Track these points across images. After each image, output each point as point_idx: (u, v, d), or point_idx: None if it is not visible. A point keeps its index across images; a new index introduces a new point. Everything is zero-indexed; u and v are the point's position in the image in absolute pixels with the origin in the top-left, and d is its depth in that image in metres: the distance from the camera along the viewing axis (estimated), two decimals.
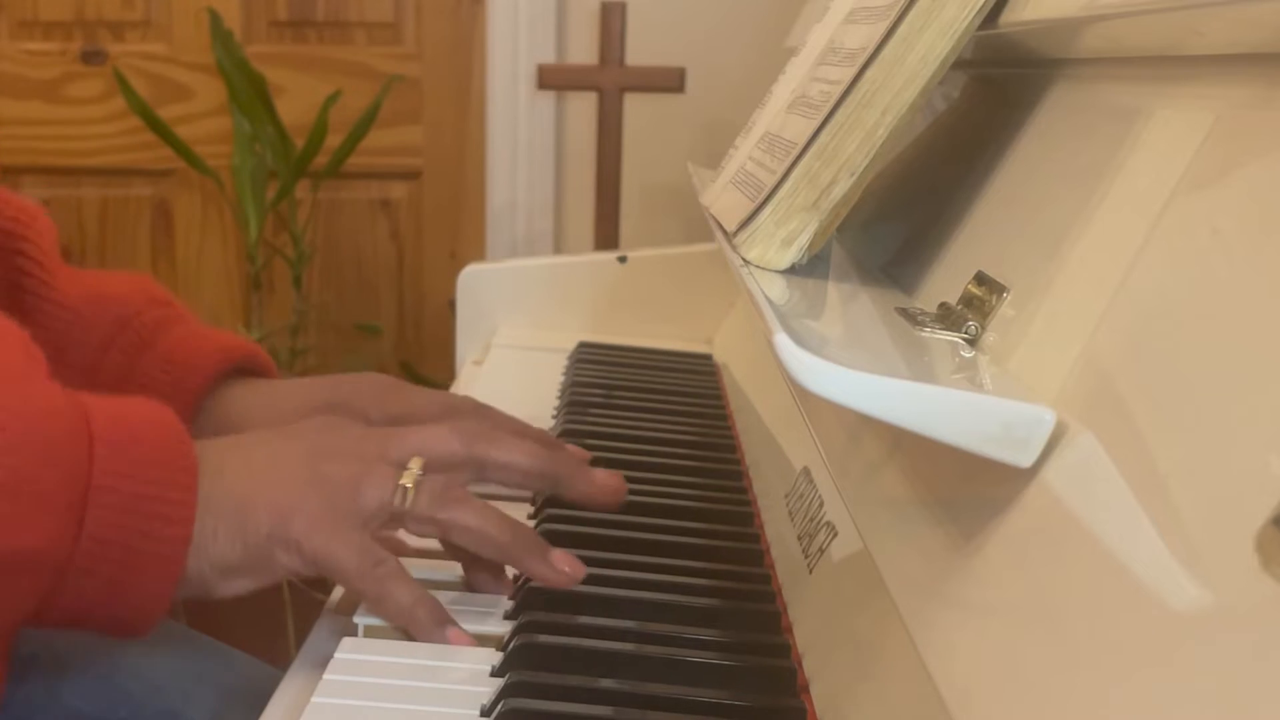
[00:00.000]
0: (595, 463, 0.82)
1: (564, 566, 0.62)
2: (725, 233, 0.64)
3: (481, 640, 0.59)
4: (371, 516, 0.60)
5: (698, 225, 1.03)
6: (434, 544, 0.66)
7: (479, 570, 0.65)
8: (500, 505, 0.75)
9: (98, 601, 0.56)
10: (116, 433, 0.56)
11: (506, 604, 0.63)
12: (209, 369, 0.79)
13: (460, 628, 0.59)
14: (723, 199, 0.72)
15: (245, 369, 0.82)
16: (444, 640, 0.58)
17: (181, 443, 0.58)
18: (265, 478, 0.60)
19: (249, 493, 0.58)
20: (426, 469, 0.61)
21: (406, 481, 0.60)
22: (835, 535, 0.61)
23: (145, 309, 0.81)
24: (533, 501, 0.77)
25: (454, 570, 0.66)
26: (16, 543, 0.52)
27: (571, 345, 1.15)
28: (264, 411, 0.79)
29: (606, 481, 0.66)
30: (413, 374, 2.08)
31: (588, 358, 1.10)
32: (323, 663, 0.56)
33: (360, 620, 0.60)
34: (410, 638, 0.59)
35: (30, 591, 0.54)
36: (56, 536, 0.53)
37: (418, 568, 0.64)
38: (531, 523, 0.73)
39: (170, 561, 0.56)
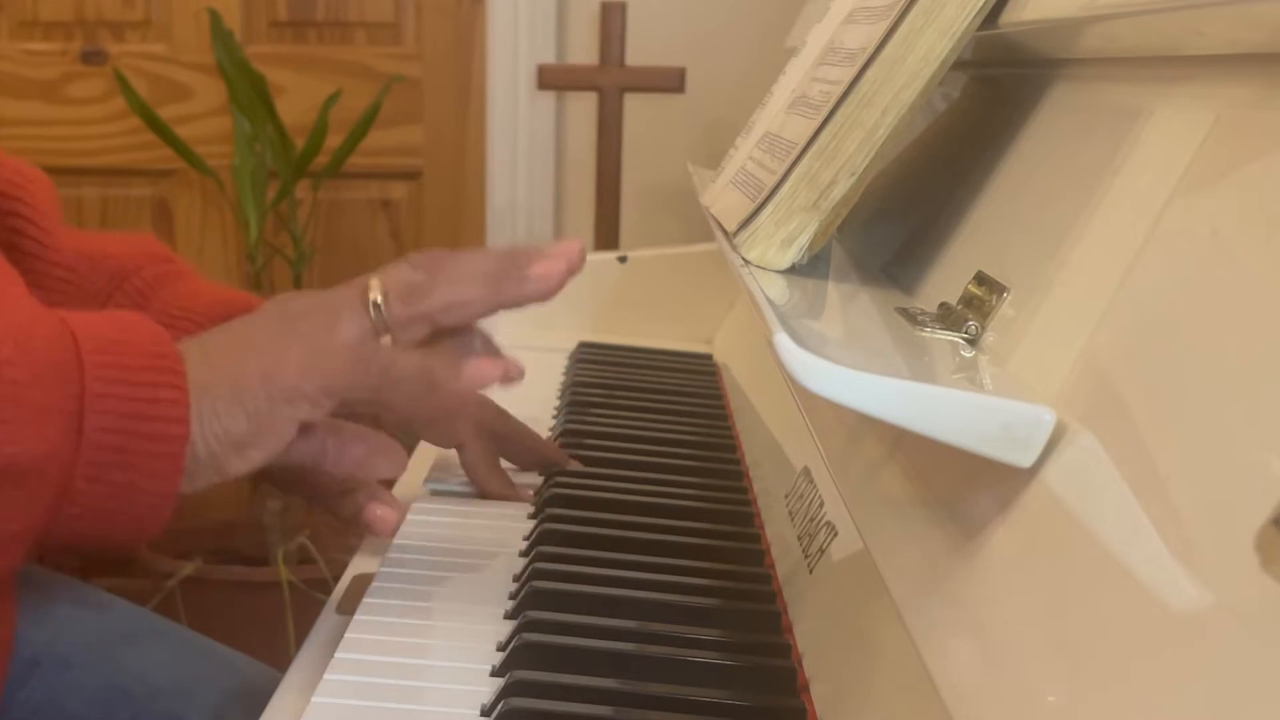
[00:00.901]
0: (596, 462, 0.82)
1: (542, 268, 0.63)
2: (725, 233, 0.64)
3: (483, 638, 0.59)
4: (356, 343, 0.61)
5: (698, 225, 1.03)
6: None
7: (492, 481, 0.71)
8: (502, 509, 0.75)
9: (105, 510, 0.56)
10: (100, 341, 0.57)
11: (507, 604, 0.63)
12: (207, 322, 0.79)
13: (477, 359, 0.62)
14: (723, 199, 0.72)
15: None
16: (462, 374, 0.61)
17: (162, 342, 0.58)
18: (248, 349, 0.60)
19: (235, 365, 0.59)
20: (386, 286, 0.62)
21: (374, 296, 0.62)
22: (835, 535, 0.61)
23: (145, 265, 0.82)
24: (534, 500, 0.77)
25: (466, 540, 0.66)
26: (22, 451, 0.52)
27: (571, 345, 1.15)
28: None
29: (547, 269, 0.64)
30: None
31: (588, 358, 1.10)
32: (323, 663, 0.56)
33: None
34: (420, 636, 0.59)
35: (38, 500, 0.54)
36: (59, 444, 0.54)
37: (417, 557, 0.64)
38: (531, 523, 0.73)
39: (172, 459, 0.56)
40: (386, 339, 0.62)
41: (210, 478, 0.59)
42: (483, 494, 0.79)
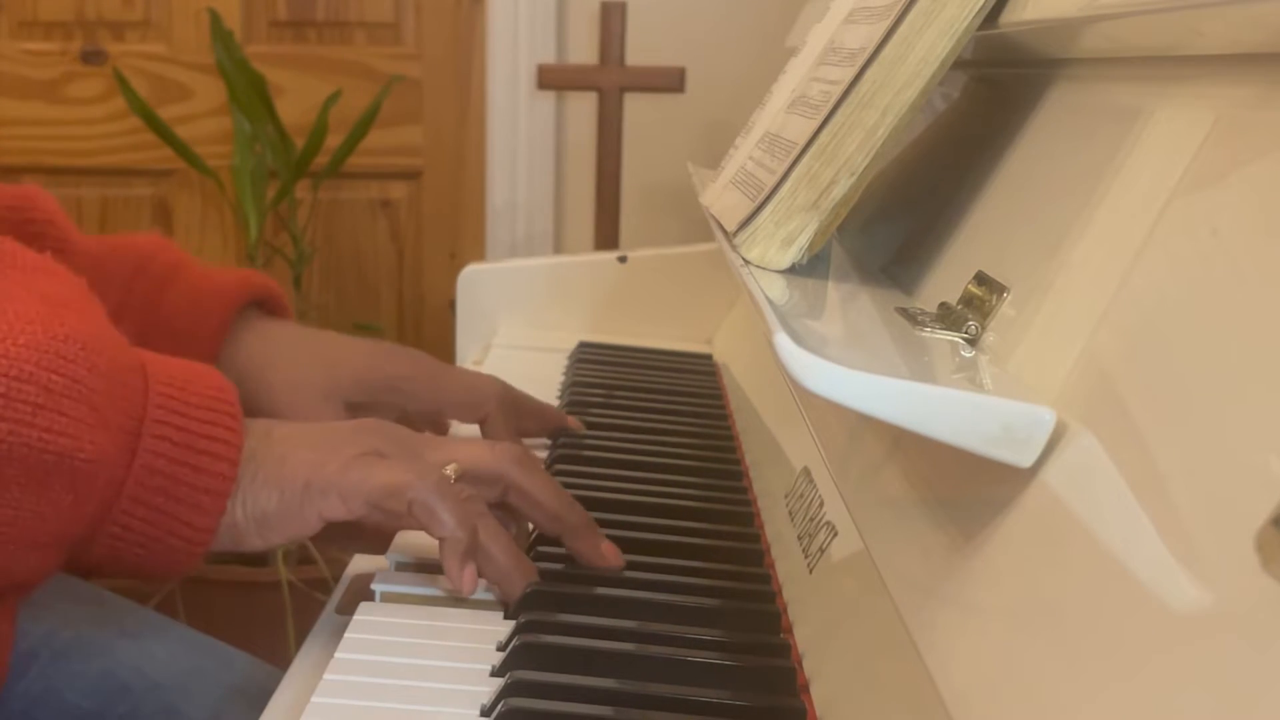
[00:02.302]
0: (595, 461, 0.82)
1: (527, 581, 0.62)
2: (725, 233, 0.64)
3: (483, 638, 0.59)
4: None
5: (698, 225, 1.03)
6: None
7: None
8: None
9: (140, 535, 0.57)
10: (169, 378, 0.59)
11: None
12: (229, 299, 0.83)
13: (474, 573, 0.61)
14: (723, 199, 0.72)
15: (265, 302, 0.86)
16: (460, 579, 0.60)
17: (227, 394, 0.61)
18: (310, 442, 0.62)
19: (291, 450, 0.61)
20: (461, 478, 0.63)
21: (450, 471, 0.62)
22: (835, 535, 0.61)
23: (159, 252, 0.85)
24: None
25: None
26: (77, 449, 0.54)
27: (571, 345, 1.15)
28: (293, 361, 0.82)
29: (608, 552, 0.66)
30: None
31: (588, 358, 1.10)
32: (323, 663, 0.56)
33: (378, 588, 0.62)
34: (422, 637, 0.59)
35: (84, 506, 0.55)
36: (114, 455, 0.55)
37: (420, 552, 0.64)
38: (531, 524, 0.73)
39: (216, 496, 0.58)
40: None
41: (227, 544, 0.60)
42: None
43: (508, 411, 0.83)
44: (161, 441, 0.57)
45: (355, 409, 0.80)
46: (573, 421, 0.87)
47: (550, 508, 0.65)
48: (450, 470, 0.63)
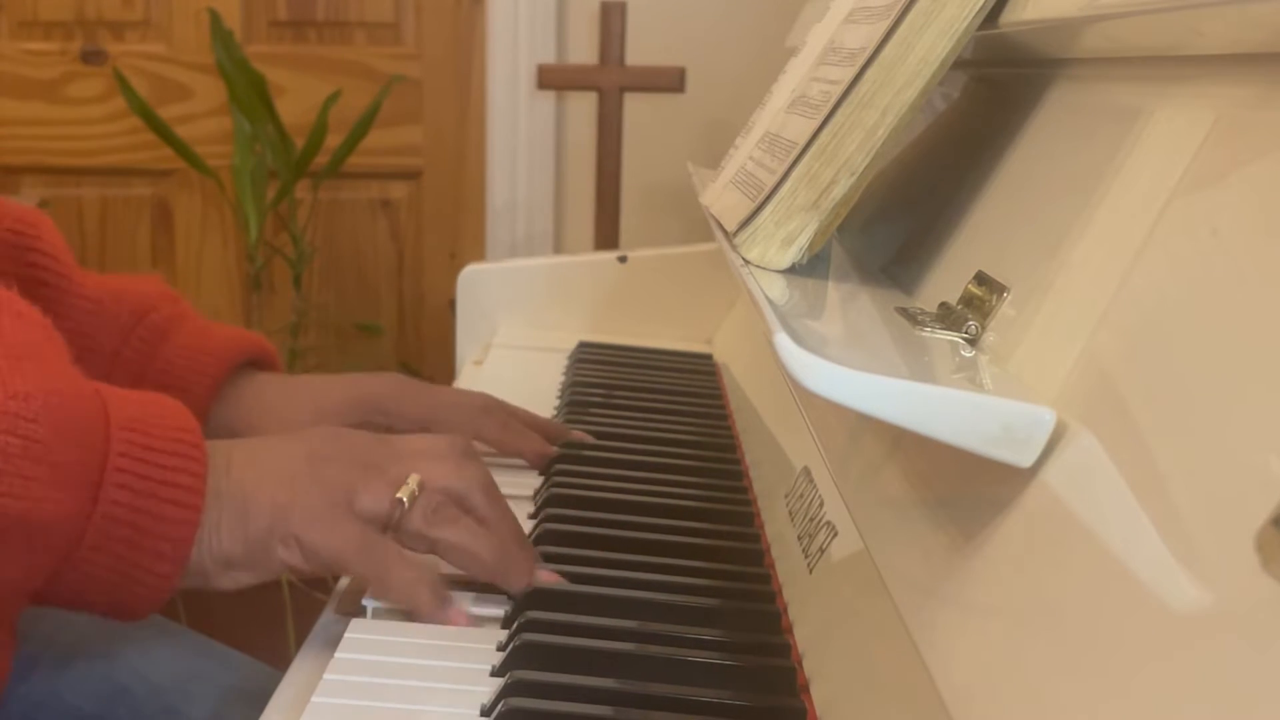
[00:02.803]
0: (595, 462, 0.82)
1: (545, 580, 0.63)
2: (725, 233, 0.64)
3: (483, 638, 0.59)
4: (368, 520, 0.61)
5: (698, 225, 1.03)
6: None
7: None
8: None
9: (104, 581, 0.57)
10: (131, 420, 0.58)
11: (507, 604, 0.63)
12: (226, 355, 0.83)
13: (462, 608, 0.60)
14: (723, 199, 0.72)
15: (257, 360, 0.86)
16: (446, 620, 0.60)
17: (191, 433, 0.59)
18: (268, 476, 0.61)
19: (252, 490, 0.60)
20: (421, 488, 0.62)
21: (403, 495, 0.62)
22: (835, 535, 0.61)
23: (160, 304, 0.85)
24: (534, 499, 0.77)
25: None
26: (35, 511, 0.53)
27: (571, 345, 1.15)
28: (284, 407, 0.82)
29: (542, 578, 0.65)
30: (413, 374, 2.07)
31: (588, 358, 1.10)
32: (323, 662, 0.56)
33: (369, 603, 0.61)
34: (421, 635, 0.59)
35: (42, 563, 0.55)
36: (73, 511, 0.55)
37: None
38: (531, 522, 0.73)
39: (178, 544, 0.57)
40: (390, 534, 0.62)
41: (194, 583, 0.60)
42: (520, 456, 0.82)
43: (500, 421, 0.82)
44: (123, 490, 0.56)
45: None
46: (578, 434, 0.86)
47: (485, 550, 0.63)
48: (411, 483, 0.62)
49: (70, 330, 0.70)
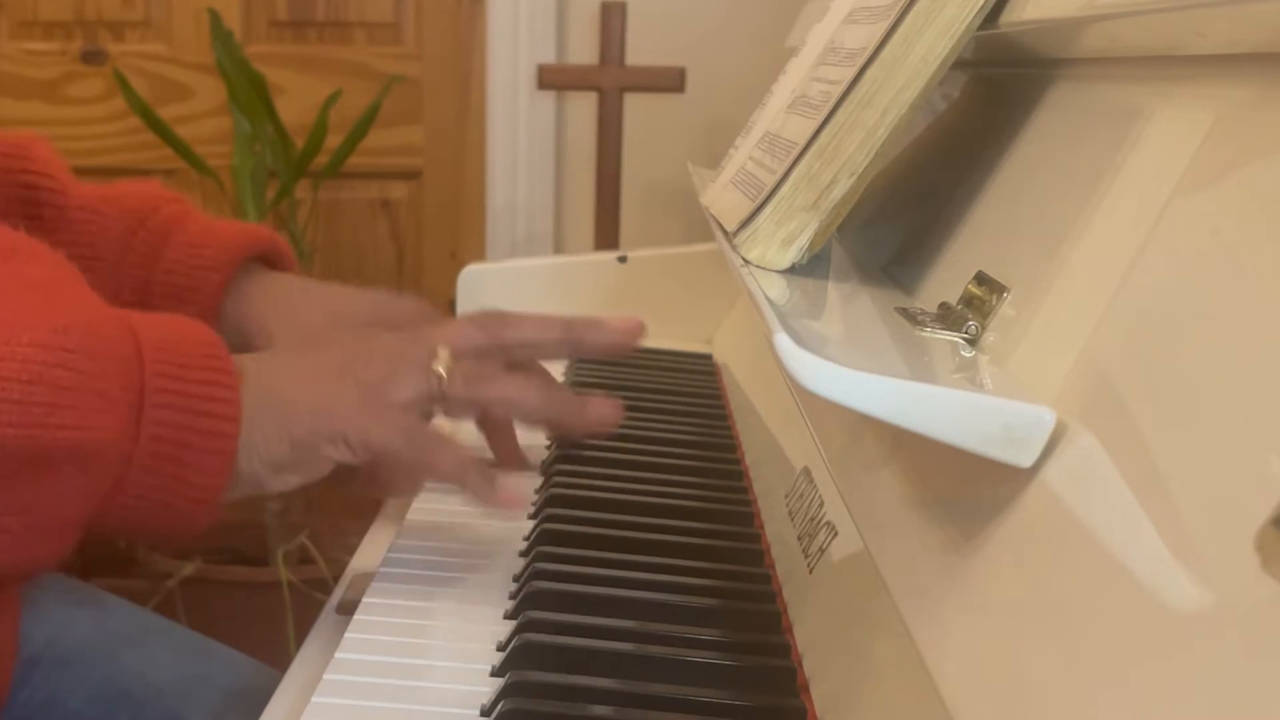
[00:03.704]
0: (595, 462, 0.82)
1: (601, 410, 0.67)
2: (725, 233, 0.64)
3: (483, 638, 0.59)
4: (410, 405, 0.63)
5: (698, 225, 1.03)
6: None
7: (507, 454, 0.73)
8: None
9: (156, 502, 0.58)
10: (159, 341, 0.59)
11: (507, 604, 0.63)
12: (233, 252, 0.82)
13: (509, 488, 0.63)
14: (723, 199, 0.72)
15: (268, 255, 0.85)
16: (495, 500, 0.63)
17: (217, 347, 0.61)
18: (304, 382, 0.63)
19: (291, 396, 0.62)
20: (454, 358, 0.64)
21: (439, 368, 0.64)
22: (835, 535, 0.61)
23: (161, 204, 0.84)
24: (537, 491, 0.77)
25: (466, 540, 0.66)
26: (88, 436, 0.54)
27: None
28: (299, 310, 0.81)
29: (620, 330, 0.69)
30: None
31: (588, 358, 1.10)
32: (323, 662, 0.56)
33: (386, 565, 0.64)
34: (420, 637, 0.59)
35: (98, 486, 0.56)
36: (120, 433, 0.56)
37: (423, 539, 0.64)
38: (531, 523, 0.73)
39: (223, 456, 0.59)
40: (439, 409, 0.64)
41: (249, 490, 0.61)
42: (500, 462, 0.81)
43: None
44: (164, 410, 0.57)
45: None
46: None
47: (549, 341, 0.68)
48: (443, 355, 0.64)
49: (72, 243, 0.70)
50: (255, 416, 0.60)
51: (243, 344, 0.66)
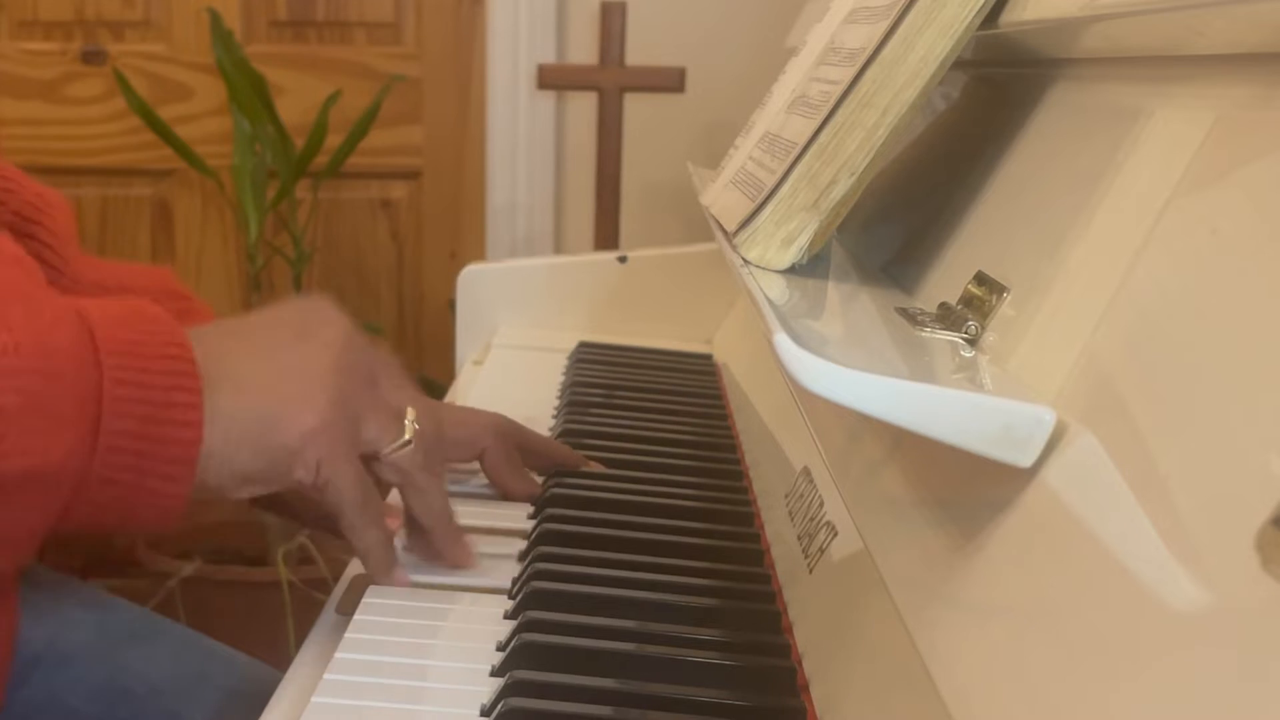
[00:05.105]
0: (596, 461, 0.82)
1: (460, 554, 0.67)
2: (725, 233, 0.64)
3: (483, 638, 0.59)
4: (364, 445, 0.63)
5: (698, 225, 1.03)
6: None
7: (515, 483, 0.76)
8: (500, 509, 0.75)
9: (116, 507, 0.56)
10: (119, 344, 0.56)
11: (507, 604, 0.63)
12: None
13: (404, 572, 0.65)
14: (723, 199, 0.72)
15: None
16: (393, 581, 0.64)
17: (181, 347, 0.57)
18: (292, 388, 0.60)
19: (274, 406, 0.59)
20: (417, 430, 0.64)
21: (407, 434, 0.63)
22: (835, 535, 0.61)
23: (160, 302, 0.80)
24: (534, 501, 0.77)
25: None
26: (37, 462, 0.52)
27: (571, 345, 1.15)
28: None
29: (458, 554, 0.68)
30: (413, 374, 2.08)
31: (588, 358, 1.10)
32: (323, 663, 0.56)
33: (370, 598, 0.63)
34: (422, 636, 0.59)
35: (52, 505, 0.55)
36: (75, 450, 0.54)
37: None
38: (531, 522, 0.73)
39: (185, 464, 0.56)
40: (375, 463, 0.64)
41: (212, 497, 0.60)
42: (506, 496, 0.78)
43: (507, 445, 0.78)
44: (122, 419, 0.55)
45: None
46: (594, 465, 0.82)
47: (435, 510, 0.67)
48: (410, 417, 0.64)
49: None
50: (233, 426, 0.58)
51: None
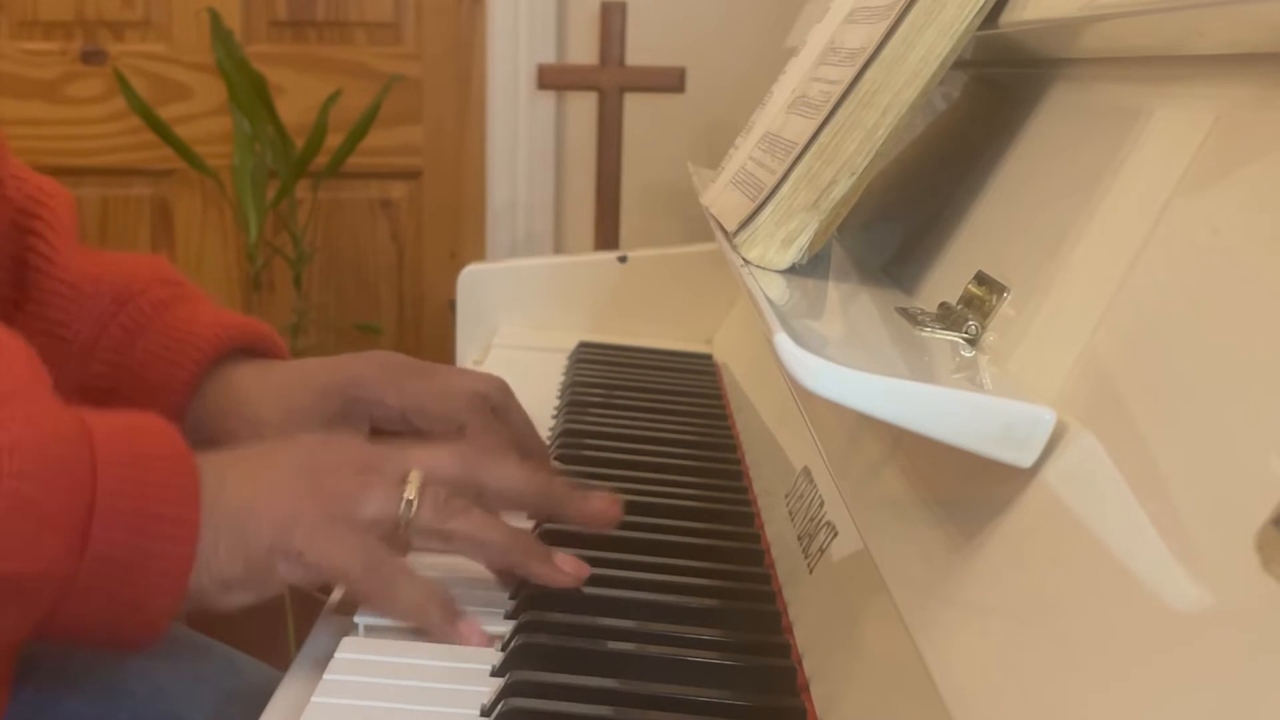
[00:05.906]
0: (595, 462, 0.82)
1: (567, 568, 0.62)
2: (725, 233, 0.64)
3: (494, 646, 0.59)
4: (372, 525, 0.59)
5: (698, 225, 1.03)
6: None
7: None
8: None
9: (99, 619, 0.55)
10: (119, 449, 0.55)
11: (507, 603, 0.63)
12: (207, 347, 0.77)
13: (474, 622, 0.58)
14: (723, 199, 0.72)
15: (251, 349, 0.80)
16: (456, 638, 0.58)
17: (183, 458, 0.57)
18: (265, 490, 0.59)
19: (249, 506, 0.58)
20: (425, 484, 0.61)
21: (409, 494, 0.60)
22: (835, 535, 0.61)
23: (152, 287, 0.79)
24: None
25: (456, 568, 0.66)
26: (20, 567, 0.51)
27: (571, 345, 1.15)
28: (264, 396, 0.77)
29: (599, 506, 0.65)
30: None
31: (588, 358, 1.10)
32: (323, 663, 0.56)
33: (361, 620, 0.60)
34: (422, 637, 0.58)
35: (32, 612, 0.54)
36: (60, 557, 0.53)
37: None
38: (531, 524, 0.73)
39: (174, 578, 0.55)
40: (401, 534, 0.60)
41: (194, 606, 0.58)
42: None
43: (488, 423, 0.75)
44: (113, 529, 0.54)
45: (331, 421, 0.75)
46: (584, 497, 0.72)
47: (525, 492, 0.64)
48: (414, 479, 0.60)
49: (46, 319, 0.67)
50: (210, 529, 0.56)
51: (207, 443, 0.62)
